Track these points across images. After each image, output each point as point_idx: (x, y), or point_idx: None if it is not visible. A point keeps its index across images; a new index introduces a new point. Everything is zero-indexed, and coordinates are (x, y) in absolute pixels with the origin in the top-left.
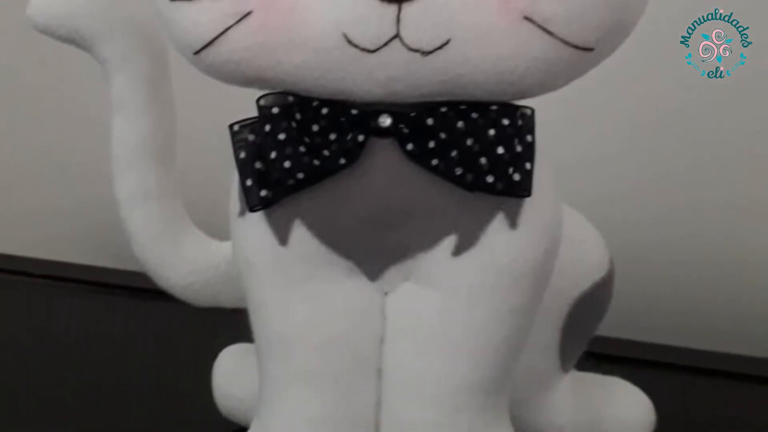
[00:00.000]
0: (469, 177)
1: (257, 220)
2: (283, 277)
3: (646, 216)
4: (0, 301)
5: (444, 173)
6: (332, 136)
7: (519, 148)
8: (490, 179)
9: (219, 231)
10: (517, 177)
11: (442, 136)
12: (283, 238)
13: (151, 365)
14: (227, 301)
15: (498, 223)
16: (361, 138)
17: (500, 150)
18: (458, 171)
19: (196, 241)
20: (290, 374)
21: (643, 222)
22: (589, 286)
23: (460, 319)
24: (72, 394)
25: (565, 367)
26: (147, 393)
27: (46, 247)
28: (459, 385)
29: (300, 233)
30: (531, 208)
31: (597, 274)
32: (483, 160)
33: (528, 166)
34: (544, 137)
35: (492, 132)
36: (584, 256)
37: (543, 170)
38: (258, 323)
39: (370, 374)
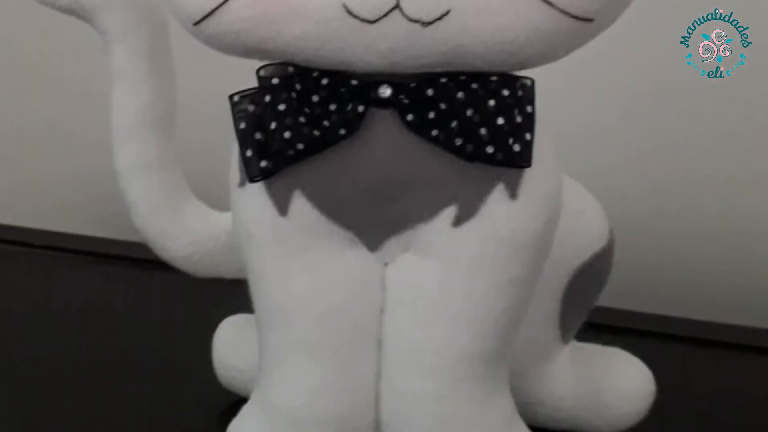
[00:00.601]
0: (469, 147)
1: (257, 190)
2: (283, 248)
3: (646, 187)
4: (0, 271)
5: (444, 144)
6: (332, 107)
7: (519, 119)
8: (490, 150)
9: (219, 202)
10: (517, 148)
11: (442, 106)
12: (283, 209)
13: (151, 336)
14: (227, 271)
15: (498, 194)
16: (361, 108)
17: (500, 120)
18: (458, 141)
19: (196, 211)
20: (290, 345)
21: (644, 193)
22: (589, 256)
23: (460, 289)
24: (72, 364)
25: (565, 338)
26: (147, 364)
27: (47, 217)
28: (459, 355)
29: (300, 204)
30: (531, 178)
31: (597, 245)
32: (483, 131)
33: (528, 136)
34: (544, 108)
35: (492, 102)
36: (584, 227)
37: (543, 141)
38: (258, 294)
39: (370, 345)
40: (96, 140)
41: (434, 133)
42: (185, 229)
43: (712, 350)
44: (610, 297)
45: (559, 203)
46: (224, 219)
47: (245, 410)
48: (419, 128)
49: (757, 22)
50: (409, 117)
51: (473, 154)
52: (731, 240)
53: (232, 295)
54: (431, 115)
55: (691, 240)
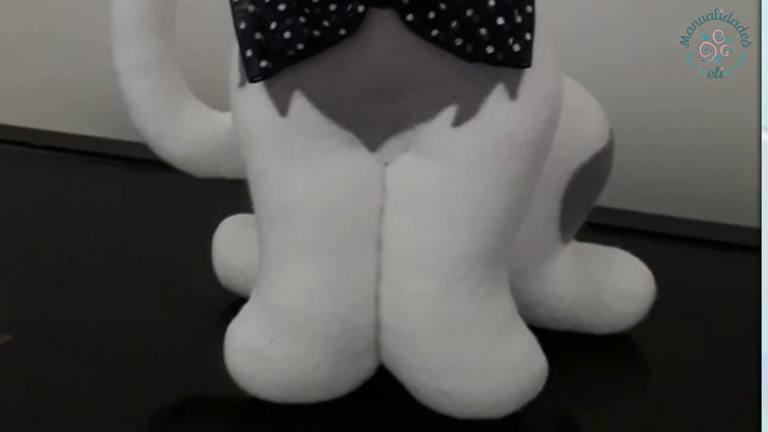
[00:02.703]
0: (469, 48)
1: (257, 90)
2: (283, 148)
3: (646, 86)
4: (1, 172)
5: (444, 44)
6: (332, 7)
7: (519, 19)
8: (490, 50)
9: (219, 102)
10: (517, 48)
11: (442, 6)
12: (282, 109)
13: (150, 236)
14: (227, 171)
15: (498, 94)
16: (361, 8)
17: (500, 20)
18: (458, 42)
19: (196, 111)
20: (290, 245)
21: (644, 92)
22: (589, 156)
23: (460, 189)
24: (72, 264)
25: (565, 238)
26: (147, 264)
27: (47, 117)
28: (459, 255)
29: (300, 104)
30: (531, 78)
31: (597, 145)
32: (483, 31)
33: (528, 36)
34: (544, 8)
35: (492, 2)
36: (584, 127)
37: (543, 41)
38: (258, 194)
39: (369, 245)
40: (96, 40)
41: (434, 33)
42: (185, 129)
43: (713, 250)
44: (610, 197)
45: (559, 103)
46: (224, 119)
47: (245, 311)
48: (419, 28)
49: (758, 22)
50: (409, 17)
51: (473, 54)
52: (731, 140)
53: (232, 195)
54: (431, 15)
55: (691, 140)
